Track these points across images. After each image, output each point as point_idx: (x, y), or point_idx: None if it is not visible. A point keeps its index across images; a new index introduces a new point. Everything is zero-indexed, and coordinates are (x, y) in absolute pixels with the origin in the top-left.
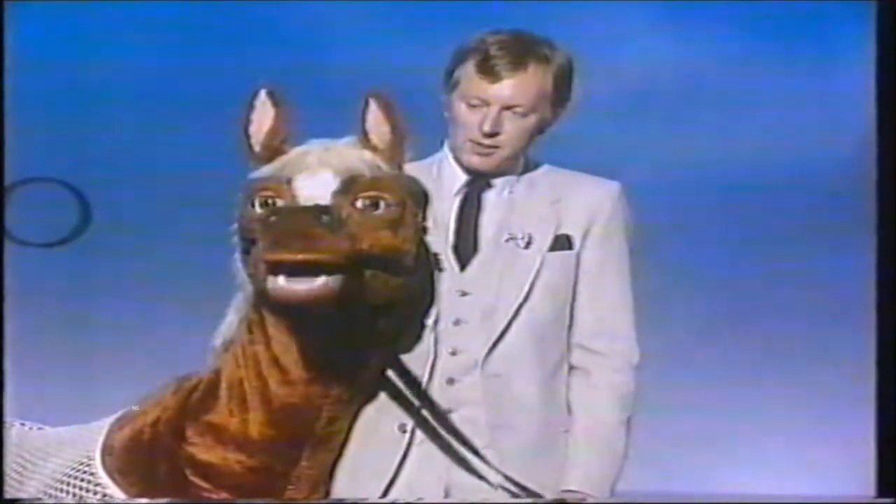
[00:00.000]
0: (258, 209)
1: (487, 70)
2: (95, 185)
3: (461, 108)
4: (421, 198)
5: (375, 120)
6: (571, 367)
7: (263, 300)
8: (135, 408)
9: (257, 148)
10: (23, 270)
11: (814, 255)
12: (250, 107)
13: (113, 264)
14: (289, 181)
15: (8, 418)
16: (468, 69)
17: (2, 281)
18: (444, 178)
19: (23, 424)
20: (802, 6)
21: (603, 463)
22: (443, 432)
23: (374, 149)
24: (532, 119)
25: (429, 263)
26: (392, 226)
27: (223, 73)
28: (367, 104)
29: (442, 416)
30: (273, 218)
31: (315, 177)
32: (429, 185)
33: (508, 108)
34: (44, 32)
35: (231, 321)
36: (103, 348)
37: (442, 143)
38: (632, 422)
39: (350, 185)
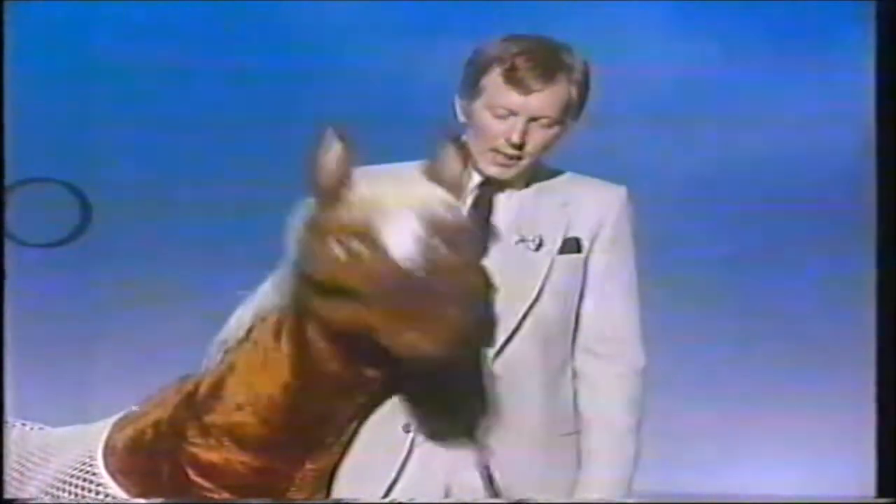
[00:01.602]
0: (337, 251)
1: (517, 81)
2: (95, 185)
3: (486, 117)
4: (480, 232)
5: (450, 158)
6: (576, 372)
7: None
8: (136, 408)
9: (323, 182)
10: (23, 270)
11: (815, 257)
12: (318, 144)
13: (113, 265)
14: (370, 226)
15: (9, 418)
16: (495, 79)
17: (2, 281)
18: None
19: (24, 424)
20: (802, 6)
21: (617, 469)
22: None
23: (443, 183)
24: (556, 129)
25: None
26: (471, 267)
27: (224, 74)
28: (446, 145)
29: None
30: (390, 284)
31: (398, 222)
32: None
33: (535, 119)
34: (44, 32)
35: (244, 319)
36: (104, 348)
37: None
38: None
39: (435, 232)
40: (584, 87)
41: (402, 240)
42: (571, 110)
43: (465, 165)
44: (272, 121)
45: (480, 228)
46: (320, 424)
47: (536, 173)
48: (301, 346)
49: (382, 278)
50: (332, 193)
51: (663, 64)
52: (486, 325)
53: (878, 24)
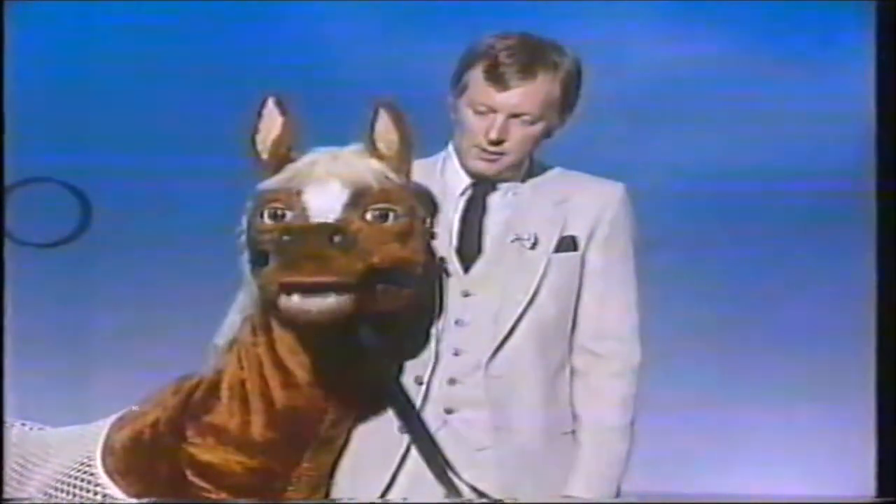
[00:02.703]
0: (268, 220)
1: (496, 77)
2: (95, 185)
3: (468, 114)
4: (429, 205)
5: (384, 128)
6: (574, 370)
7: (272, 307)
8: (135, 408)
9: (264, 156)
10: (23, 270)
11: (815, 256)
12: (258, 115)
13: (113, 264)
14: (298, 193)
15: (8, 418)
16: (476, 75)
17: (2, 281)
18: (448, 178)
19: (23, 425)
20: (802, 7)
21: (605, 467)
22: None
23: (381, 157)
24: (539, 126)
25: (436, 270)
26: (402, 237)
27: (224, 74)
28: (376, 113)
29: (430, 438)
30: (286, 238)
31: (324, 188)
32: (433, 185)
33: (515, 116)
34: (44, 32)
35: (233, 321)
36: (103, 348)
37: (447, 143)
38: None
39: (360, 198)
40: (572, 85)
41: (321, 202)
42: (554, 108)
43: (402, 135)
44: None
45: (424, 205)
46: (310, 422)
47: (533, 171)
48: (270, 339)
49: (287, 230)
50: (273, 165)
51: (663, 63)
52: (388, 296)
53: (878, 25)
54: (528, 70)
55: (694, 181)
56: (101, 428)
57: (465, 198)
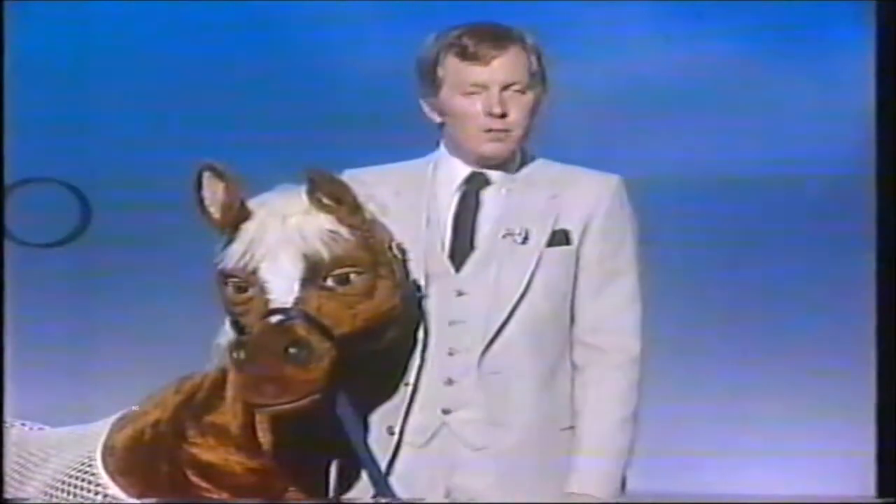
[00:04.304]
0: (232, 292)
1: (473, 56)
2: (95, 185)
3: (457, 101)
4: (384, 228)
5: (320, 190)
6: (573, 364)
7: None
8: (135, 408)
9: (217, 216)
10: (23, 270)
11: (814, 253)
12: (197, 187)
13: (113, 264)
14: (254, 271)
15: (8, 418)
16: (451, 63)
17: (2, 281)
18: (440, 178)
19: (23, 424)
20: (802, 6)
21: (606, 462)
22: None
23: (329, 210)
24: (530, 96)
25: (410, 290)
26: (368, 293)
27: (224, 73)
28: (310, 182)
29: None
30: (240, 356)
31: (279, 265)
32: (424, 186)
33: (507, 87)
34: (44, 32)
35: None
36: (104, 348)
37: (438, 144)
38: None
39: (315, 270)
40: (540, 55)
41: (277, 283)
42: (537, 77)
43: (340, 193)
44: (275, 121)
45: (383, 236)
46: (314, 421)
47: (526, 164)
48: None
49: (239, 345)
50: (229, 225)
51: (663, 63)
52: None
53: (878, 24)
54: (500, 43)
55: (690, 177)
56: (101, 428)
57: (457, 197)
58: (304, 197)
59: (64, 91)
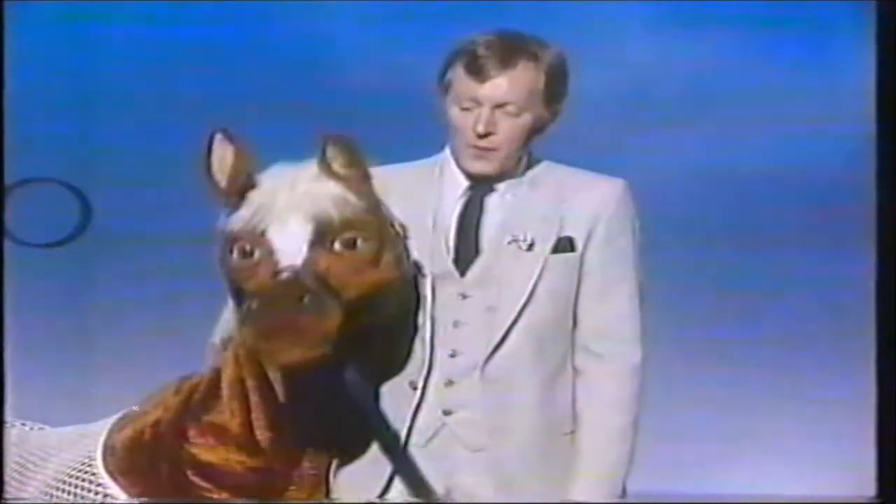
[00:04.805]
0: (237, 258)
1: (476, 70)
2: (95, 185)
3: (455, 112)
4: (389, 210)
5: (333, 155)
6: (575, 369)
7: None
8: (136, 408)
9: (224, 185)
10: (23, 270)
11: (814, 255)
12: (208, 150)
13: (113, 264)
14: (262, 233)
15: (8, 418)
16: (458, 71)
17: (2, 281)
18: (446, 181)
19: (23, 424)
20: (802, 6)
21: (606, 468)
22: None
23: (339, 178)
24: (526, 118)
25: (411, 269)
26: (373, 261)
27: (223, 73)
28: (324, 144)
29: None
30: (254, 305)
31: (287, 227)
32: (430, 189)
33: (500, 106)
34: (44, 32)
35: (228, 318)
36: (104, 348)
37: (444, 146)
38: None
39: (324, 232)
40: (556, 76)
41: (285, 243)
42: (538, 98)
43: (353, 162)
44: (275, 120)
45: (388, 213)
46: (310, 419)
47: (532, 168)
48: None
49: (254, 294)
50: (235, 195)
51: (663, 64)
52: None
53: (878, 24)
54: (507, 60)
55: (695, 183)
56: (101, 428)
57: (462, 200)
58: (314, 166)
59: (64, 91)
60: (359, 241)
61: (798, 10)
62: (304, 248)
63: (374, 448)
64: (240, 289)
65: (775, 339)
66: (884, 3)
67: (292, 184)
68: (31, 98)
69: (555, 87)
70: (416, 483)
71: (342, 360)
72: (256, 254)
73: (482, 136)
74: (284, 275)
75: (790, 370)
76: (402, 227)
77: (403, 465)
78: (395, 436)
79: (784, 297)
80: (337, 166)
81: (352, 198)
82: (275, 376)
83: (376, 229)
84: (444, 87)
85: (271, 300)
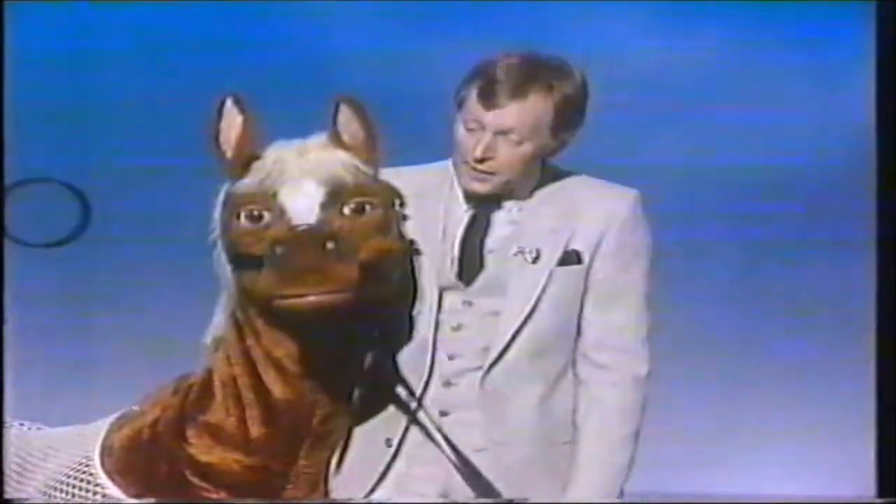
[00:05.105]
0: (245, 222)
1: (487, 95)
2: (95, 185)
3: (461, 130)
4: (396, 191)
5: (346, 120)
6: (577, 378)
7: (261, 309)
8: (134, 408)
9: (229, 154)
10: (23, 270)
11: (815, 257)
12: (217, 116)
13: (113, 264)
14: (274, 194)
15: (8, 418)
16: (471, 92)
17: (2, 281)
18: (456, 192)
19: (22, 425)
20: (802, 6)
21: (602, 478)
22: (435, 436)
23: (348, 148)
24: (528, 147)
25: (411, 253)
26: (381, 228)
27: (223, 73)
28: (337, 107)
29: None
30: (279, 249)
31: (299, 188)
32: (441, 196)
33: (502, 133)
34: (44, 32)
35: (219, 320)
36: (103, 348)
37: (447, 149)
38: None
39: (336, 194)
40: (569, 107)
41: (298, 203)
42: (545, 130)
43: (365, 127)
44: (275, 119)
45: (393, 191)
46: (303, 416)
47: (543, 179)
48: (256, 333)
49: (278, 241)
50: (240, 166)
51: (663, 65)
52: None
53: (879, 25)
54: (519, 88)
55: (696, 186)
56: (100, 428)
57: (469, 214)
58: (323, 136)
59: (64, 91)
60: (367, 208)
61: (798, 11)
62: (317, 209)
63: (364, 454)
64: (245, 254)
65: (775, 339)
66: (884, 4)
67: (301, 152)
68: (31, 98)
69: (565, 118)
70: (430, 437)
71: (358, 317)
72: (266, 216)
73: (480, 161)
74: (302, 227)
75: (790, 370)
76: (402, 204)
77: (417, 421)
78: (411, 391)
79: (784, 297)
80: (346, 135)
81: (361, 165)
82: (277, 337)
83: (383, 198)
84: (458, 102)
85: (297, 244)
